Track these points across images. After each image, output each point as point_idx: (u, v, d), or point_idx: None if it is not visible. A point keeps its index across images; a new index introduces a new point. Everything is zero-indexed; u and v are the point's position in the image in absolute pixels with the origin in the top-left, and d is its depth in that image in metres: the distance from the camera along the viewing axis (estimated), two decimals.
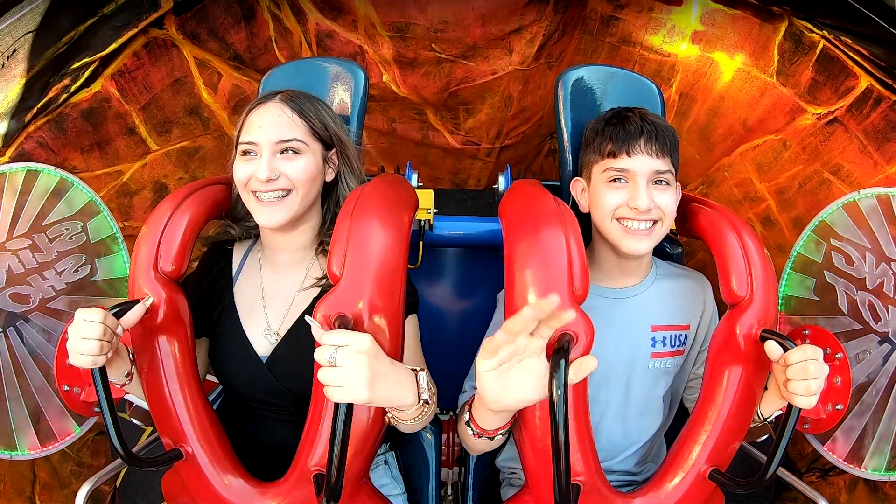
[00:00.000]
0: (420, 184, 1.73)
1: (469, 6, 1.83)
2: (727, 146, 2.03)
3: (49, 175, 1.36)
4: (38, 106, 1.49)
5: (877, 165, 1.60)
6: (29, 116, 1.48)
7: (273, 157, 1.15)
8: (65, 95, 1.55)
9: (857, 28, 1.47)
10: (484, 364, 0.88)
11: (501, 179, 1.73)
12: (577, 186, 1.32)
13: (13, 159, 1.47)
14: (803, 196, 1.83)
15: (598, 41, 2.07)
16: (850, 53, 1.53)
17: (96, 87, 1.62)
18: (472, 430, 1.06)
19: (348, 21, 1.90)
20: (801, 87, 1.72)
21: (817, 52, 1.62)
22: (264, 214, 1.16)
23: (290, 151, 1.17)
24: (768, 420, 1.18)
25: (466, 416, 1.08)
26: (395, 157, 2.41)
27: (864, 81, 1.55)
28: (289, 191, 1.16)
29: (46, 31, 1.40)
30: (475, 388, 1.29)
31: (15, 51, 1.36)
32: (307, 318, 0.97)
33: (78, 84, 1.56)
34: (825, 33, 1.56)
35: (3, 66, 1.35)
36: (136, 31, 1.58)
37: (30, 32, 1.36)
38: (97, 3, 1.46)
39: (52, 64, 1.46)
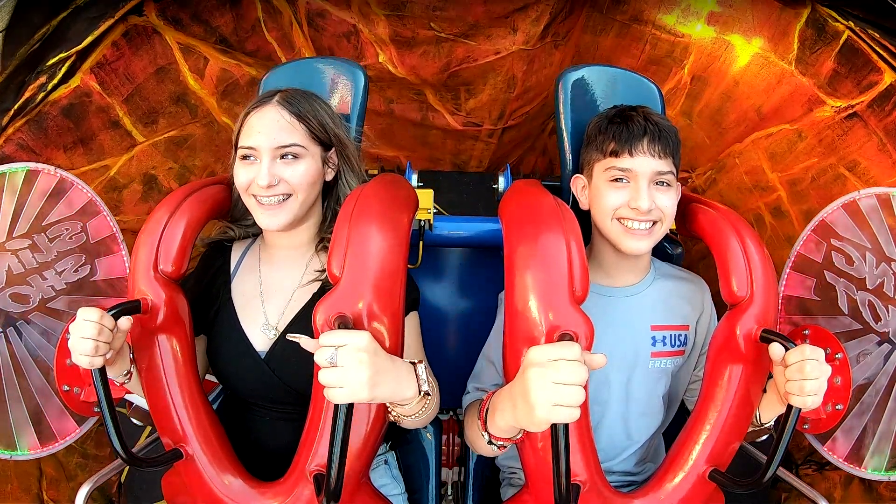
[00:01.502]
0: (420, 184, 1.72)
1: None
2: (739, 132, 1.96)
3: (49, 175, 1.36)
4: (16, 107, 1.45)
5: (895, 165, 1.54)
6: (6, 119, 1.44)
7: (273, 162, 1.16)
8: (42, 94, 1.49)
9: (885, 23, 1.39)
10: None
11: (501, 179, 1.72)
12: (577, 184, 1.33)
13: None
14: (816, 189, 1.78)
15: (607, 19, 1.96)
16: (876, 47, 1.46)
17: (75, 82, 1.55)
18: (488, 438, 1.07)
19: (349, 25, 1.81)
20: (822, 78, 1.64)
21: (841, 42, 1.54)
22: (266, 217, 1.19)
23: (289, 156, 1.18)
24: (766, 425, 1.20)
25: (479, 423, 1.09)
26: (394, 139, 2.34)
27: (889, 77, 1.49)
28: (289, 195, 1.18)
29: (17, 29, 1.33)
30: (479, 390, 1.31)
31: None
32: (290, 336, 0.97)
33: (55, 81, 1.50)
34: (851, 24, 1.48)
35: None
36: (113, 20, 1.50)
37: None
38: None
39: (27, 62, 1.41)
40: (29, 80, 1.44)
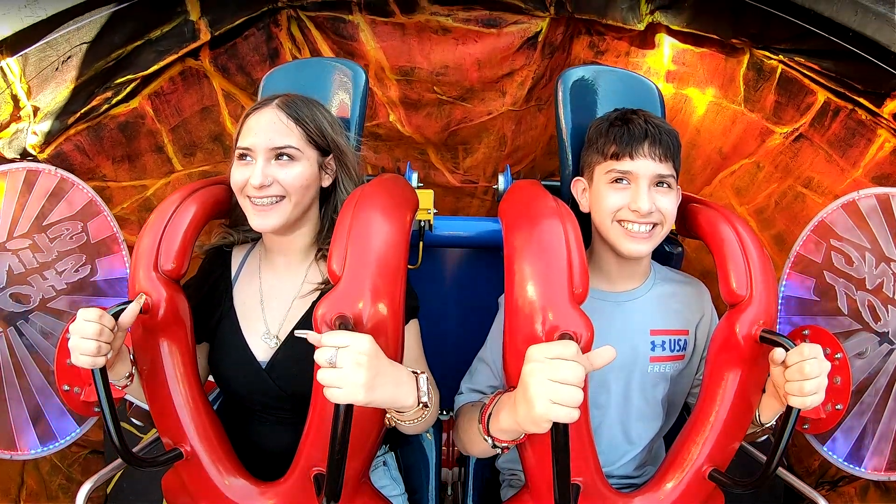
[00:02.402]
0: (420, 184, 1.80)
1: (467, 52, 2.04)
2: (707, 175, 2.14)
3: (49, 175, 1.39)
4: (81, 112, 1.60)
5: (844, 171, 1.69)
6: (72, 120, 1.59)
7: (267, 163, 1.16)
8: (106, 106, 1.66)
9: (806, 46, 1.61)
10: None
11: (501, 179, 1.76)
12: (577, 186, 1.34)
13: (51, 157, 1.58)
14: (780, 212, 1.91)
15: None
16: (805, 71, 1.67)
17: (134, 103, 1.74)
18: (491, 441, 1.05)
19: (361, 65, 2.08)
20: (767, 111, 1.84)
21: (777, 75, 1.75)
22: (258, 218, 1.18)
23: (284, 157, 1.18)
24: (766, 425, 1.19)
25: (480, 426, 1.07)
26: None
27: (822, 95, 1.67)
28: (282, 197, 1.18)
29: (99, 44, 1.52)
30: (473, 391, 1.32)
31: (70, 57, 1.49)
32: (297, 332, 0.97)
33: (119, 98, 1.68)
34: (781, 57, 1.69)
35: (56, 70, 1.48)
36: (175, 57, 1.73)
37: (85, 43, 1.50)
38: (147, 27, 1.63)
39: (100, 75, 1.59)
40: (97, 92, 1.62)
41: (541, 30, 2.00)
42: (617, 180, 1.22)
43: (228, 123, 2.03)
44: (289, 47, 2.03)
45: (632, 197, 1.19)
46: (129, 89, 1.70)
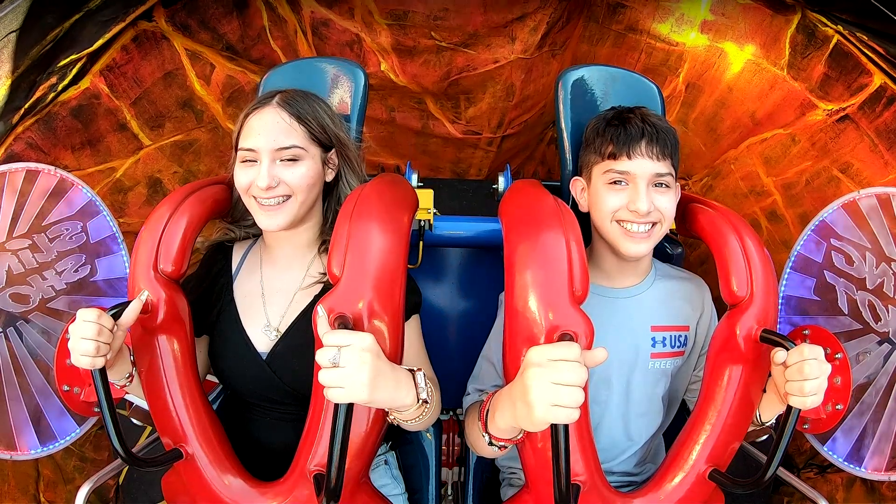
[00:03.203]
0: (420, 184, 1.72)
1: None
2: (734, 138, 2.00)
3: (49, 175, 1.37)
4: (26, 106, 1.47)
5: (887, 165, 1.58)
6: (17, 117, 1.46)
7: (272, 164, 1.16)
8: (53, 94, 1.52)
9: (873, 25, 1.43)
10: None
11: (501, 179, 1.73)
12: (576, 186, 1.32)
13: (2, 161, 1.44)
14: (811, 193, 1.81)
15: (603, 29, 2.01)
16: (865, 50, 1.50)
17: (85, 83, 1.58)
18: (488, 438, 1.06)
19: (345, 9, 1.84)
20: (813, 82, 1.68)
21: (831, 46, 1.59)
22: (265, 218, 1.18)
23: (289, 158, 1.17)
24: (767, 424, 1.19)
25: (479, 425, 1.08)
26: (395, 147, 2.38)
27: (878, 79, 1.53)
28: (288, 196, 1.18)
29: (30, 29, 1.36)
30: (479, 392, 1.31)
31: None
32: (319, 307, 0.98)
33: (66, 82, 1.53)
34: (840, 28, 1.52)
35: None
36: (123, 24, 1.54)
37: (13, 32, 1.33)
38: None
39: (38, 62, 1.43)
40: (40, 81, 1.46)
41: None
42: (615, 182, 1.21)
43: (197, 86, 1.83)
44: None
45: (630, 197, 1.19)
46: (75, 70, 1.54)
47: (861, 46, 1.50)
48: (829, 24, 1.54)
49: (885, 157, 1.57)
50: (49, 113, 1.54)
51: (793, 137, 1.81)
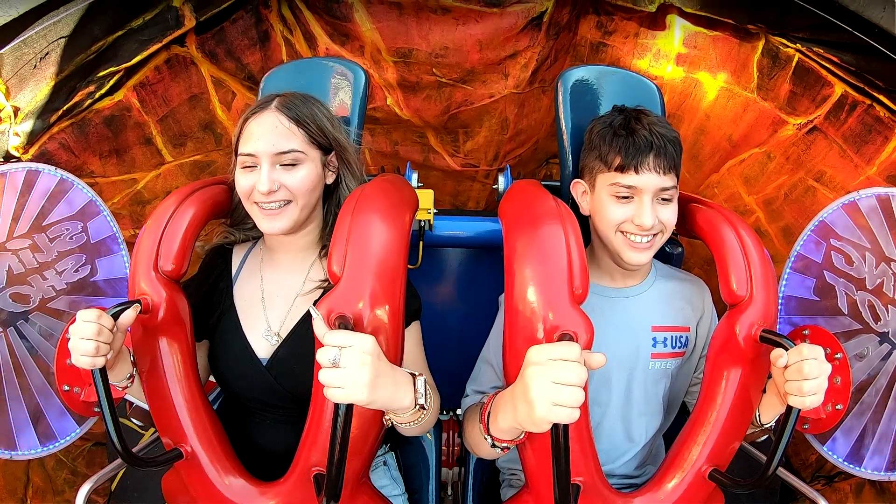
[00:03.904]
0: (420, 184, 1.77)
1: (468, 33, 1.95)
2: (715, 163, 2.09)
3: (49, 175, 1.38)
4: (64, 109, 1.56)
5: (857, 168, 1.66)
6: (54, 118, 1.55)
7: (273, 168, 1.16)
8: (89, 101, 1.62)
9: (827, 37, 1.55)
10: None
11: (501, 179, 1.75)
12: (577, 189, 1.32)
13: (35, 158, 1.54)
14: (790, 205, 1.88)
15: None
16: (824, 63, 1.61)
17: (119, 96, 1.69)
18: (490, 440, 1.06)
19: (356, 47, 2.01)
20: (781, 100, 1.79)
21: (793, 64, 1.70)
22: (267, 222, 1.19)
23: (289, 162, 1.18)
24: (766, 426, 1.18)
25: (480, 426, 1.07)
26: None
27: (839, 89, 1.63)
28: (289, 201, 1.18)
29: (78, 38, 1.47)
30: (478, 393, 1.32)
31: (47, 53, 1.43)
32: (312, 308, 0.98)
33: (102, 91, 1.63)
34: (799, 46, 1.64)
35: (34, 67, 1.43)
36: (159, 46, 1.67)
37: (62, 38, 1.44)
38: (127, 16, 1.56)
39: (81, 70, 1.54)
40: (79, 87, 1.57)
41: (546, 9, 1.91)
42: (621, 196, 1.21)
43: (219, 111, 1.97)
44: (280, 29, 1.94)
45: (635, 211, 1.19)
46: (112, 82, 1.65)
47: (820, 60, 1.61)
48: (789, 44, 1.66)
49: (855, 161, 1.65)
50: (84, 118, 1.64)
51: (768, 154, 1.90)
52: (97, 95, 1.63)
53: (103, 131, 1.70)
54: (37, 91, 1.47)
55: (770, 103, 1.83)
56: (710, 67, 1.95)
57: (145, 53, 1.66)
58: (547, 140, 2.41)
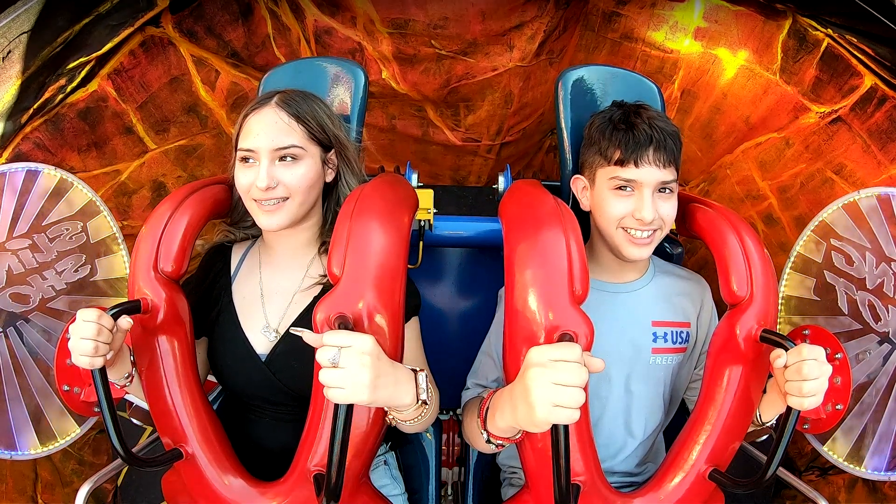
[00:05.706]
0: (420, 184, 1.72)
1: (469, 2, 1.81)
2: (729, 143, 2.02)
3: (49, 175, 1.37)
4: (35, 107, 1.49)
5: (880, 165, 1.59)
6: (25, 117, 1.48)
7: (272, 164, 1.16)
8: (61, 95, 1.54)
9: (862, 27, 1.46)
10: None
11: (501, 179, 1.72)
12: (577, 184, 1.32)
13: (10, 160, 1.47)
14: (805, 195, 1.82)
15: (599, 37, 2.05)
16: (855, 52, 1.52)
17: (93, 86, 1.60)
18: (486, 436, 1.07)
19: (347, 17, 1.88)
20: (805, 86, 1.71)
21: (821, 50, 1.61)
22: (265, 218, 1.18)
23: (288, 158, 1.17)
24: (767, 424, 1.19)
25: (478, 422, 1.08)
26: (395, 154, 2.40)
27: (869, 80, 1.55)
28: (286, 198, 1.18)
29: (41, 31, 1.38)
30: (478, 386, 1.32)
31: (10, 52, 1.34)
32: (293, 329, 0.98)
33: (74, 84, 1.55)
34: (830, 31, 1.55)
35: None
36: (132, 29, 1.56)
37: (24, 33, 1.35)
38: (92, 2, 1.44)
39: (48, 64, 1.46)
40: (49, 82, 1.48)
41: None
42: (621, 188, 1.22)
43: (202, 92, 1.86)
44: (263, 0, 1.78)
45: (636, 205, 1.20)
46: (84, 73, 1.56)
47: (851, 49, 1.52)
48: (819, 27, 1.57)
49: (878, 158, 1.58)
50: (57, 114, 1.56)
51: (787, 141, 1.83)
52: (69, 89, 1.55)
53: (79, 125, 1.62)
54: (3, 92, 1.39)
55: (793, 87, 1.74)
56: (730, 44, 1.84)
57: (117, 39, 1.56)
58: (552, 111, 2.28)
